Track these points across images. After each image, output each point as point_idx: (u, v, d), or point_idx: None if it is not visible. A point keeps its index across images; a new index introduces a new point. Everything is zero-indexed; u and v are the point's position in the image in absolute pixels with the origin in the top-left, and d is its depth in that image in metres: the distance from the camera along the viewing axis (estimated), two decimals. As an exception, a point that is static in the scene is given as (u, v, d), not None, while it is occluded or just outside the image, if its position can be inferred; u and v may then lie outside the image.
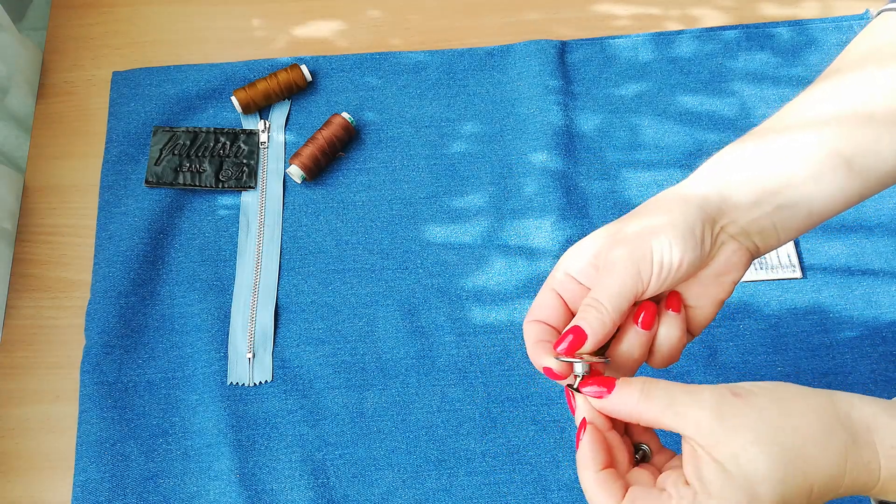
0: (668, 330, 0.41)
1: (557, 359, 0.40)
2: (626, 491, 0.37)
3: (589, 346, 0.39)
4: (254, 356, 0.63)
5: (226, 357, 0.63)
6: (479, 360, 0.63)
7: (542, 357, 0.40)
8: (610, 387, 0.38)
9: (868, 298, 0.64)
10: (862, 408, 0.36)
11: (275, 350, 0.63)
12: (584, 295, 0.41)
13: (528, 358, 0.63)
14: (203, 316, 0.64)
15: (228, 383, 0.62)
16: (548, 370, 0.40)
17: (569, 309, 0.42)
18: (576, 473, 0.59)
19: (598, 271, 0.41)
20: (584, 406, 0.39)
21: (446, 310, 0.64)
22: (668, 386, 0.37)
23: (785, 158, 0.40)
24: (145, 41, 0.75)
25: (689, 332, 0.42)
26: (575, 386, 0.39)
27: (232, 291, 0.65)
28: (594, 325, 0.39)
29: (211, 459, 0.60)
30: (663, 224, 0.39)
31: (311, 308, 0.65)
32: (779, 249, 0.64)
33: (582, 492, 0.58)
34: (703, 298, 0.41)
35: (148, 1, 0.77)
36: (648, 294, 0.40)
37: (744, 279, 0.64)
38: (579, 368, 0.39)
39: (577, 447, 0.39)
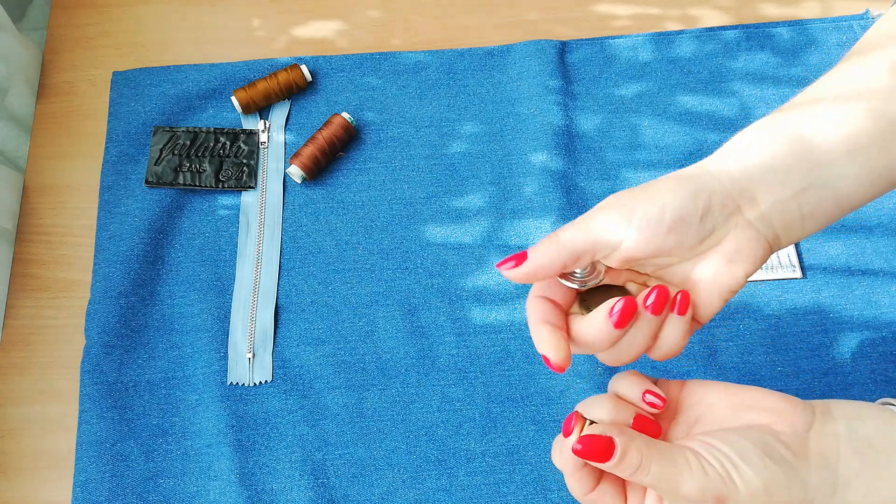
0: (673, 328, 0.39)
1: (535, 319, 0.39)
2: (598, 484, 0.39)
3: (523, 271, 0.38)
4: (254, 356, 0.63)
5: (226, 357, 0.63)
6: (479, 360, 0.63)
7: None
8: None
9: (868, 298, 0.64)
10: None
11: (275, 350, 0.63)
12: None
13: (528, 358, 0.63)
14: (203, 316, 0.64)
15: (228, 383, 0.62)
16: (546, 360, 0.39)
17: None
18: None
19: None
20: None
21: (446, 310, 0.64)
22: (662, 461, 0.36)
23: (817, 135, 0.38)
24: (145, 41, 0.75)
25: (694, 320, 0.40)
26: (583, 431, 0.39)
27: (232, 291, 0.65)
28: (538, 252, 0.38)
29: (211, 459, 0.60)
30: (665, 178, 0.38)
31: (311, 308, 0.65)
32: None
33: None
34: (709, 284, 0.39)
35: (148, 1, 0.77)
36: (629, 249, 0.38)
37: (744, 279, 0.64)
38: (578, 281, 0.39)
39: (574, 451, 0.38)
